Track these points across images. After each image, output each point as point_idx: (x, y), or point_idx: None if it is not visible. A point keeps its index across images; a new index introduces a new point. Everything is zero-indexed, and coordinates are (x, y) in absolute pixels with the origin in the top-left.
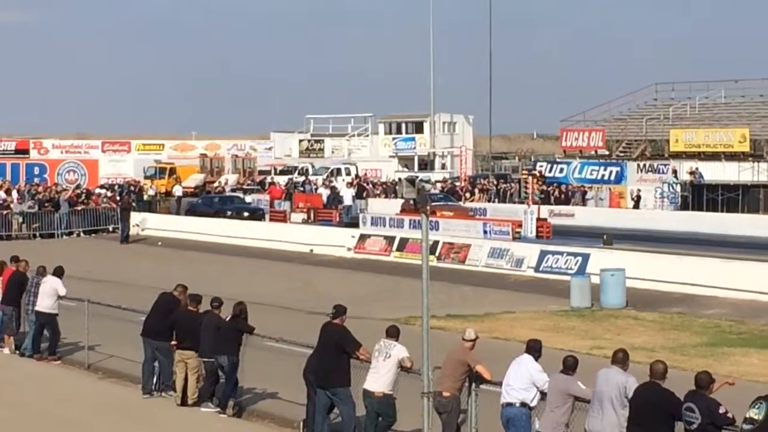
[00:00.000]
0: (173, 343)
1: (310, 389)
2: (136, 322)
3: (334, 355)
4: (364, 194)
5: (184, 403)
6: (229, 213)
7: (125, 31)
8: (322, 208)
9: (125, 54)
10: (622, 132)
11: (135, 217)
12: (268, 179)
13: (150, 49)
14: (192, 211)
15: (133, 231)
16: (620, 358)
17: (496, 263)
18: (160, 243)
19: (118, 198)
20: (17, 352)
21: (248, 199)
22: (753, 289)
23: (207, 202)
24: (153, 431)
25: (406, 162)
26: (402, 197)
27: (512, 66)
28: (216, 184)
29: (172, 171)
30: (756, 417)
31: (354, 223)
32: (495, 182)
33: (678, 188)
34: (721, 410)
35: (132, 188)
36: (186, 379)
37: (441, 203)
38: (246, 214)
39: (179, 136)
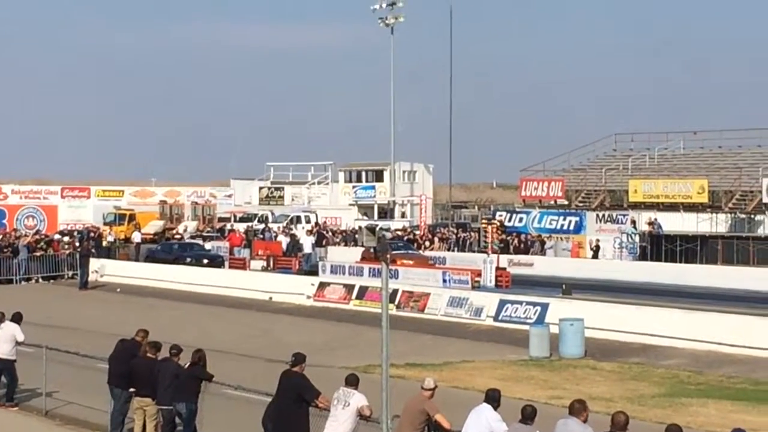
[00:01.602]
0: (132, 390)
1: None
2: (94, 368)
3: (293, 403)
4: (324, 242)
5: None
6: (188, 260)
7: (85, 76)
8: (282, 255)
9: (85, 99)
10: (581, 182)
11: (94, 264)
12: (228, 226)
13: (111, 96)
14: (151, 258)
15: (92, 277)
16: (577, 409)
17: (455, 312)
18: (119, 290)
19: (77, 244)
20: None
21: (208, 246)
22: (711, 339)
23: (166, 248)
24: None
25: (365, 210)
26: (362, 245)
27: (472, 115)
28: (174, 231)
29: (132, 217)
30: None
31: (313, 271)
32: (455, 231)
33: (637, 238)
34: None
35: (91, 234)
36: (144, 427)
37: (401, 252)
38: (206, 261)
39: (139, 182)
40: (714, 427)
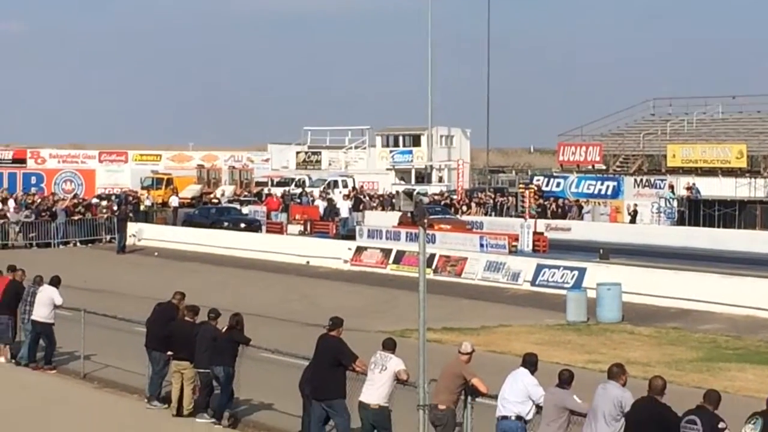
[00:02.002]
0: (169, 353)
1: (306, 401)
2: (132, 332)
3: (330, 367)
4: (361, 207)
5: (179, 413)
6: (225, 224)
7: (124, 41)
8: (319, 220)
9: (123, 64)
10: (619, 147)
11: (132, 228)
12: (265, 191)
13: (148, 60)
14: (189, 222)
15: (129, 241)
16: (615, 373)
17: (492, 277)
18: (156, 254)
19: (115, 208)
20: (13, 361)
21: (245, 210)
22: (750, 304)
23: (204, 213)
24: None
25: (402, 175)
26: (399, 210)
27: (510, 80)
28: (212, 196)
29: (169, 182)
30: None
31: (351, 236)
32: (492, 196)
33: (675, 203)
34: (721, 425)
35: (130, 198)
36: (182, 390)
37: (439, 216)
38: (243, 225)
39: (176, 147)
40: (752, 392)
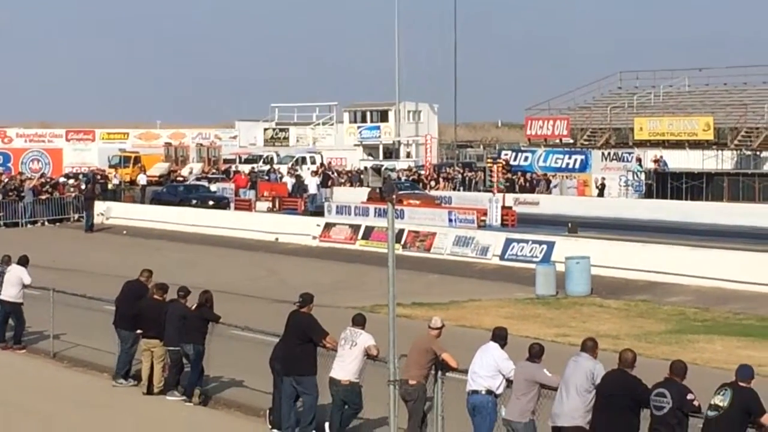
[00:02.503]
0: (139, 331)
1: (276, 378)
2: (101, 310)
3: (301, 343)
4: (329, 183)
5: (149, 391)
6: (194, 202)
7: (88, 18)
8: (287, 196)
9: (88, 41)
10: (586, 120)
11: (100, 206)
12: (233, 168)
13: (114, 37)
14: (157, 200)
15: (97, 220)
16: (590, 347)
17: (461, 251)
18: (125, 232)
19: (82, 187)
20: None
21: (213, 188)
22: (717, 276)
23: (172, 190)
24: (118, 420)
25: (370, 151)
26: (368, 186)
27: (477, 54)
28: (177, 174)
29: (137, 160)
30: (721, 404)
31: (319, 212)
32: (460, 170)
33: (642, 176)
34: (690, 396)
35: (97, 177)
36: (152, 368)
37: (408, 191)
38: (211, 202)
39: (144, 125)
40: (720, 363)
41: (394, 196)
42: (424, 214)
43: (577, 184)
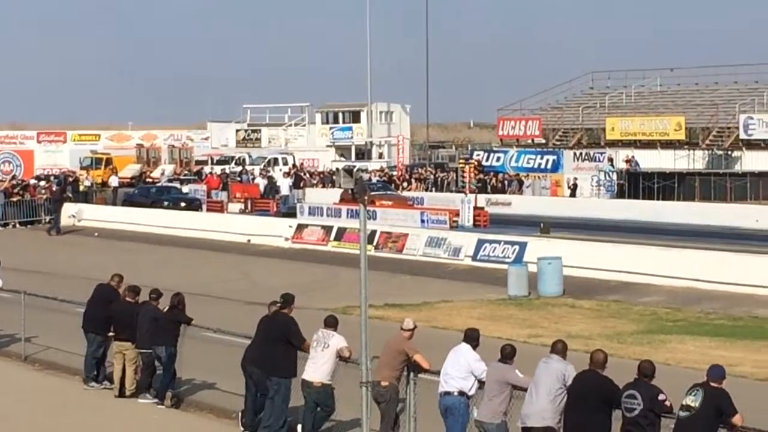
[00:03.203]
0: (111, 334)
1: (249, 380)
2: (73, 313)
3: (281, 344)
4: (301, 184)
5: (121, 394)
6: (166, 203)
7: (59, 19)
8: (260, 198)
9: (60, 42)
10: (558, 120)
11: (71, 208)
12: (205, 169)
13: (85, 37)
14: (129, 202)
15: (69, 222)
16: (560, 349)
17: (433, 252)
18: (96, 234)
19: (54, 188)
20: None
21: (185, 189)
22: (689, 276)
23: (144, 192)
24: (90, 422)
25: (343, 151)
26: (340, 187)
27: (449, 55)
28: (146, 175)
29: (109, 161)
30: (692, 404)
31: (291, 213)
32: (432, 171)
33: (614, 176)
34: (661, 397)
35: (69, 179)
36: (124, 371)
37: (380, 193)
38: (183, 204)
39: (115, 126)
40: (692, 363)
41: (366, 198)
42: (396, 215)
43: (550, 184)
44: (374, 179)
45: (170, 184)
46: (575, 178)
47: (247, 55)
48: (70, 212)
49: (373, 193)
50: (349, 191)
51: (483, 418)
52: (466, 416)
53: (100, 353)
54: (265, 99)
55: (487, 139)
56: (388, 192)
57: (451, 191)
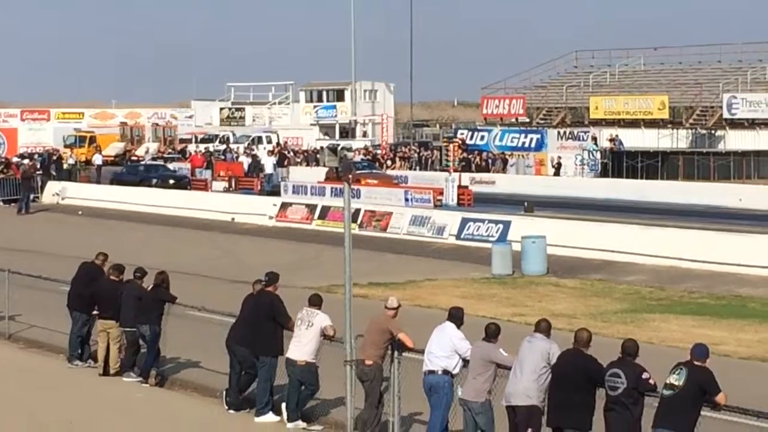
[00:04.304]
0: (95, 312)
1: (233, 358)
2: (57, 292)
3: (267, 322)
4: (285, 162)
5: (106, 373)
6: (154, 181)
7: None
8: (244, 176)
9: (43, 21)
10: (542, 99)
11: (55, 186)
12: (189, 148)
13: (68, 16)
14: (117, 181)
15: (53, 200)
16: (544, 328)
17: (417, 231)
18: (80, 212)
19: (38, 166)
20: None
21: (171, 167)
22: (673, 255)
23: (132, 170)
24: (74, 401)
25: (327, 130)
26: (324, 165)
27: (433, 33)
28: (131, 153)
29: (92, 139)
30: (676, 383)
31: (275, 192)
32: (416, 150)
33: (598, 155)
34: (645, 376)
35: (53, 157)
36: (108, 349)
37: (366, 171)
38: (171, 182)
39: (99, 105)
40: (676, 342)
41: (351, 176)
42: (380, 194)
43: (535, 164)
44: (358, 158)
45: (158, 162)
46: (559, 157)
47: (231, 34)
48: (54, 190)
49: (358, 172)
50: (334, 170)
51: (467, 396)
52: (450, 395)
53: (84, 332)
54: (249, 77)
55: (471, 117)
56: (374, 171)
57: (435, 170)
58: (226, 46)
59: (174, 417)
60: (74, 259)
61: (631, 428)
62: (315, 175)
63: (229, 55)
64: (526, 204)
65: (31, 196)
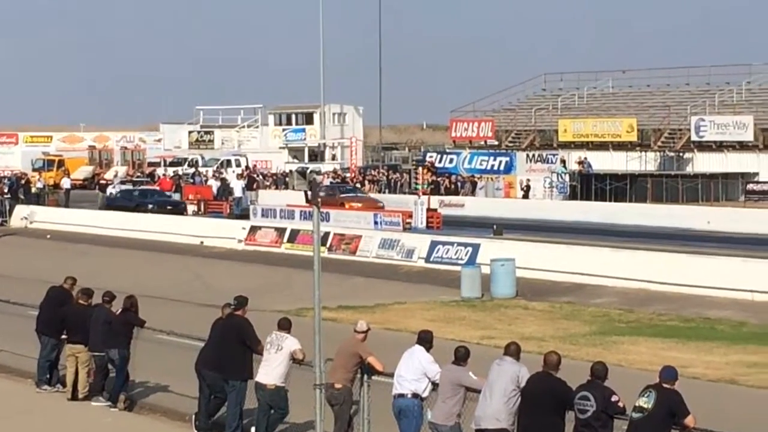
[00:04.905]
0: (63, 337)
1: (202, 382)
2: (25, 316)
3: (237, 346)
4: (254, 186)
5: (74, 397)
6: (150, 206)
7: (11, 19)
8: (213, 200)
9: (11, 43)
10: (511, 122)
11: (23, 210)
12: (158, 171)
13: (37, 38)
14: (111, 206)
15: (21, 224)
16: (513, 351)
17: (387, 254)
18: (48, 236)
19: (5, 190)
20: None
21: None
22: (642, 278)
23: (126, 195)
24: (43, 426)
25: (296, 153)
26: (294, 189)
27: (402, 56)
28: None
29: (61, 163)
30: (645, 405)
31: (244, 215)
32: (385, 173)
33: (567, 178)
34: (614, 398)
35: (21, 180)
36: (76, 374)
37: (350, 195)
38: (168, 207)
39: (67, 128)
40: (645, 364)
41: (319, 200)
42: (349, 217)
43: (504, 186)
44: (328, 182)
45: (153, 188)
46: (528, 180)
47: (200, 57)
48: (22, 214)
49: (342, 195)
50: (305, 193)
51: (437, 420)
52: (420, 418)
53: (53, 356)
54: (218, 101)
55: (440, 140)
56: (358, 194)
57: (405, 193)
58: (195, 69)
59: None
60: (43, 283)
61: None
62: (284, 198)
63: (198, 78)
64: (495, 227)
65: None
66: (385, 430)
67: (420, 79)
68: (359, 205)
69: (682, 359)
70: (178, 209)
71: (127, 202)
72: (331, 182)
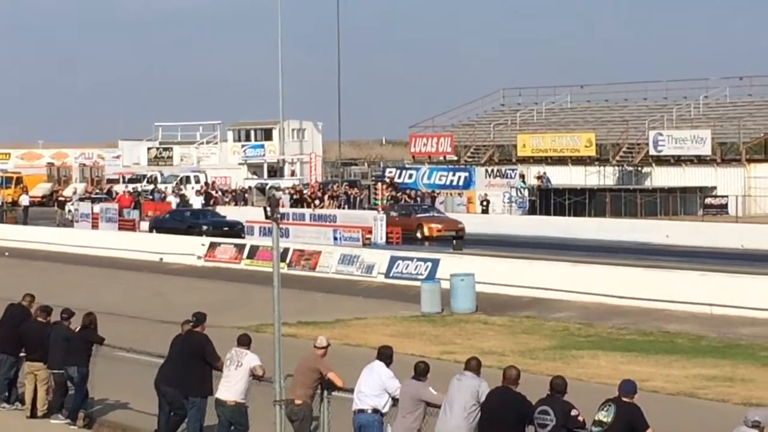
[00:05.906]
0: (21, 355)
1: (162, 399)
2: None
3: (196, 363)
4: (213, 202)
5: (33, 415)
6: (204, 228)
7: None
8: None
9: None
10: (470, 137)
11: None
12: (117, 188)
13: None
14: (160, 228)
15: None
16: (474, 366)
17: (346, 270)
18: (7, 253)
19: None
20: None
21: (96, 208)
22: (601, 292)
23: (177, 216)
24: None
25: (255, 169)
26: (252, 205)
27: (361, 72)
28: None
29: (19, 180)
30: (605, 419)
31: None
32: (345, 189)
33: (526, 193)
34: (574, 413)
35: None
36: (35, 391)
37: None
38: (225, 229)
39: (26, 145)
40: (604, 378)
41: (278, 216)
42: (308, 233)
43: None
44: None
45: (208, 209)
46: (487, 195)
47: (159, 73)
48: None
49: (419, 215)
50: (263, 209)
51: None
52: None
53: (12, 374)
54: (177, 117)
55: (400, 156)
56: (435, 214)
57: (364, 208)
58: (154, 86)
59: None
60: (1, 301)
61: None
62: (243, 214)
63: (157, 95)
64: (454, 242)
65: None
66: None
67: (379, 94)
68: (439, 226)
69: (642, 373)
70: (235, 231)
71: (178, 224)
72: (405, 202)
